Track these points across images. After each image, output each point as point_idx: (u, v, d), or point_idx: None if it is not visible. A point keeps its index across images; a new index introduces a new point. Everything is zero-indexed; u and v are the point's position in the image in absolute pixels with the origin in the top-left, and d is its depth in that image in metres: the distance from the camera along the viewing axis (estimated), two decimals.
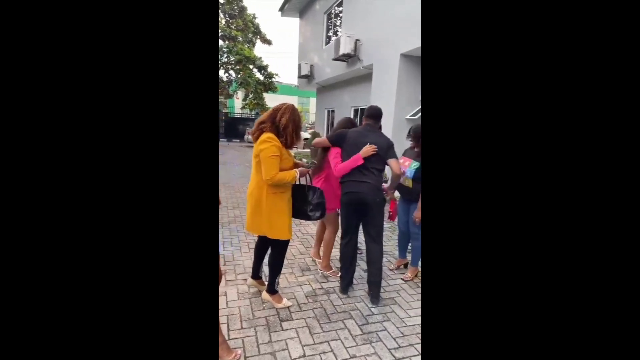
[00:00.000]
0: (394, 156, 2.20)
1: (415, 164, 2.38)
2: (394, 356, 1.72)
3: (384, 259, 2.94)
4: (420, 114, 5.64)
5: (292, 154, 2.02)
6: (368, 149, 2.12)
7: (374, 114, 2.29)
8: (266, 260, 2.16)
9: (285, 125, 1.84)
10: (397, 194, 2.67)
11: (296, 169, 1.92)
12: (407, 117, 5.77)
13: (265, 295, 2.14)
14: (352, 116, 8.38)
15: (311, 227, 3.63)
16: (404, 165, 2.45)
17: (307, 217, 2.08)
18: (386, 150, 2.17)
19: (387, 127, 5.67)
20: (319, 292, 2.34)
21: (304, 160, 11.23)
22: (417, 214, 2.38)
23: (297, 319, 1.99)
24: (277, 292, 2.13)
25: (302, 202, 2.07)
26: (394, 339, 1.87)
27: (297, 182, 2.02)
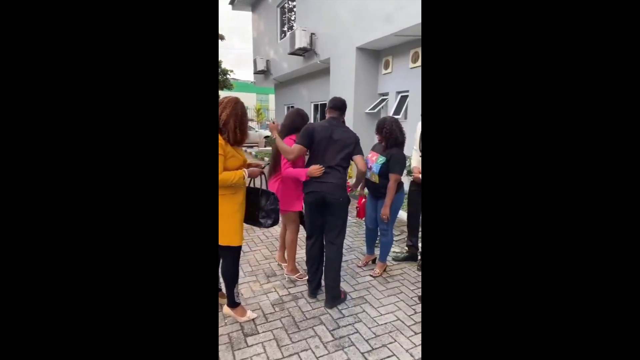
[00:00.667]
0: (361, 152, 2.10)
1: (381, 159, 2.31)
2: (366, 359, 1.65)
3: (352, 256, 2.88)
4: (379, 107, 5.68)
5: (242, 152, 1.82)
6: (314, 170, 1.99)
7: (338, 106, 2.15)
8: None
9: (226, 121, 1.66)
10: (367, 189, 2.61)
11: (244, 169, 1.74)
12: (366, 111, 5.79)
13: (226, 309, 1.96)
14: (312, 111, 8.27)
15: (276, 230, 3.46)
16: (372, 160, 2.37)
17: (258, 224, 1.90)
18: (353, 146, 2.06)
19: (347, 121, 5.63)
20: (286, 298, 2.20)
21: (266, 159, 10.86)
22: (384, 210, 2.31)
23: (263, 332, 1.84)
24: (239, 304, 1.95)
25: (254, 207, 1.88)
26: (367, 341, 1.79)
27: (250, 184, 1.86)
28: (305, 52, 7.14)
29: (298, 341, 1.77)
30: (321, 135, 2.04)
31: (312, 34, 6.78)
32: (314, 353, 1.69)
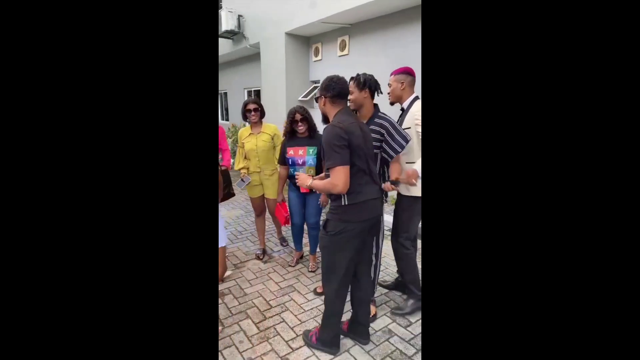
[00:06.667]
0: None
1: (313, 149, 2.15)
2: (290, 347, 1.69)
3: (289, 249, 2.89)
4: (312, 94, 5.69)
5: None
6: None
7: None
8: None
9: None
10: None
11: None
12: (299, 98, 5.76)
13: None
14: (245, 98, 7.96)
15: None
16: (301, 155, 2.16)
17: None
18: None
19: (280, 109, 5.55)
20: None
21: None
22: (323, 197, 2.17)
23: None
24: None
25: None
26: (292, 328, 1.84)
27: None
28: (234, 36, 6.76)
29: (222, 339, 1.74)
30: None
31: (239, 15, 6.43)
32: (237, 349, 1.68)
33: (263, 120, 2.46)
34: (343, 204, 1.45)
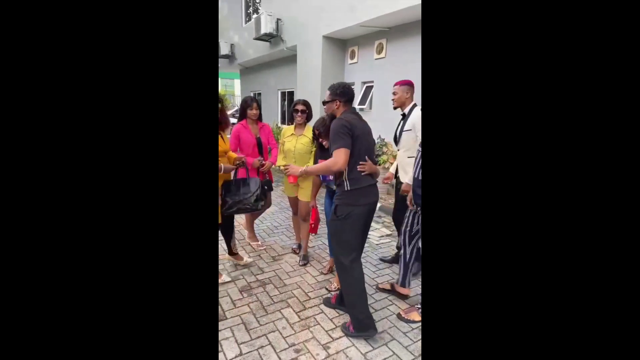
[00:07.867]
0: None
1: None
2: (331, 337, 1.78)
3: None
4: None
5: (227, 139, 1.92)
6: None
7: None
8: None
9: None
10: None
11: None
12: None
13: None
14: (279, 99, 8.17)
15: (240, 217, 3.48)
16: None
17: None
18: None
19: (314, 110, 5.66)
20: (255, 285, 2.27)
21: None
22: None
23: (231, 317, 1.90)
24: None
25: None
26: (331, 319, 1.92)
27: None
28: (272, 38, 6.99)
29: (266, 324, 1.86)
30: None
31: (278, 19, 6.64)
32: (281, 334, 1.78)
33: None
34: (346, 189, 1.71)
